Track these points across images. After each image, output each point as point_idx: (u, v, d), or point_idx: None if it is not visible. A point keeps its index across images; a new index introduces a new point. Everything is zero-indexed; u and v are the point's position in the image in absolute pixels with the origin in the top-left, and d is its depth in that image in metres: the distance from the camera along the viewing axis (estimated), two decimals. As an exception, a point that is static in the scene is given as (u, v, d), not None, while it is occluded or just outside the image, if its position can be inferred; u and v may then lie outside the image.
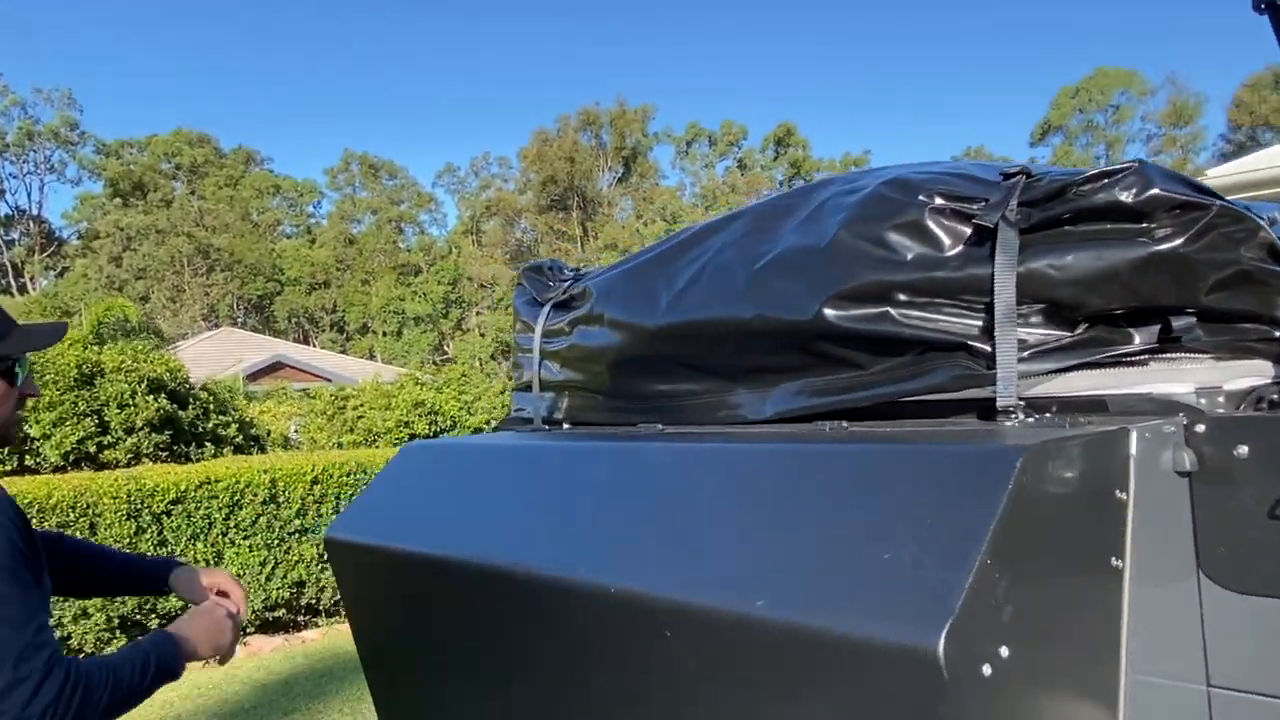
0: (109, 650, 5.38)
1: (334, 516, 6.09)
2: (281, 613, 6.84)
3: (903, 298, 1.29)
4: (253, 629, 6.73)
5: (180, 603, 3.10)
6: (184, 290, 45.02)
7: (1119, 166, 1.18)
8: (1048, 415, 1.20)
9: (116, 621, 5.94)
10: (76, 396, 7.41)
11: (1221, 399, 1.16)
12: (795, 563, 0.99)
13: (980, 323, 1.25)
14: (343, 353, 43.12)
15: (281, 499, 6.74)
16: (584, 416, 1.92)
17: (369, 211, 58.94)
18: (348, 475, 6.97)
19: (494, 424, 12.77)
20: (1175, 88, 51.33)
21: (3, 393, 1.60)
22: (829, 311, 1.34)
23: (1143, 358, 1.19)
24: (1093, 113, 53.78)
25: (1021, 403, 1.20)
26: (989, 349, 1.23)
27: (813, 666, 0.92)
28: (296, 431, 10.66)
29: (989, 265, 1.21)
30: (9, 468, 7.09)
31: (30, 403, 2.69)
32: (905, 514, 0.95)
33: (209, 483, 6.38)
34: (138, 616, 6.01)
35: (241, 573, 6.49)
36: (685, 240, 1.69)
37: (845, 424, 1.38)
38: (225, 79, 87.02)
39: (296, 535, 6.77)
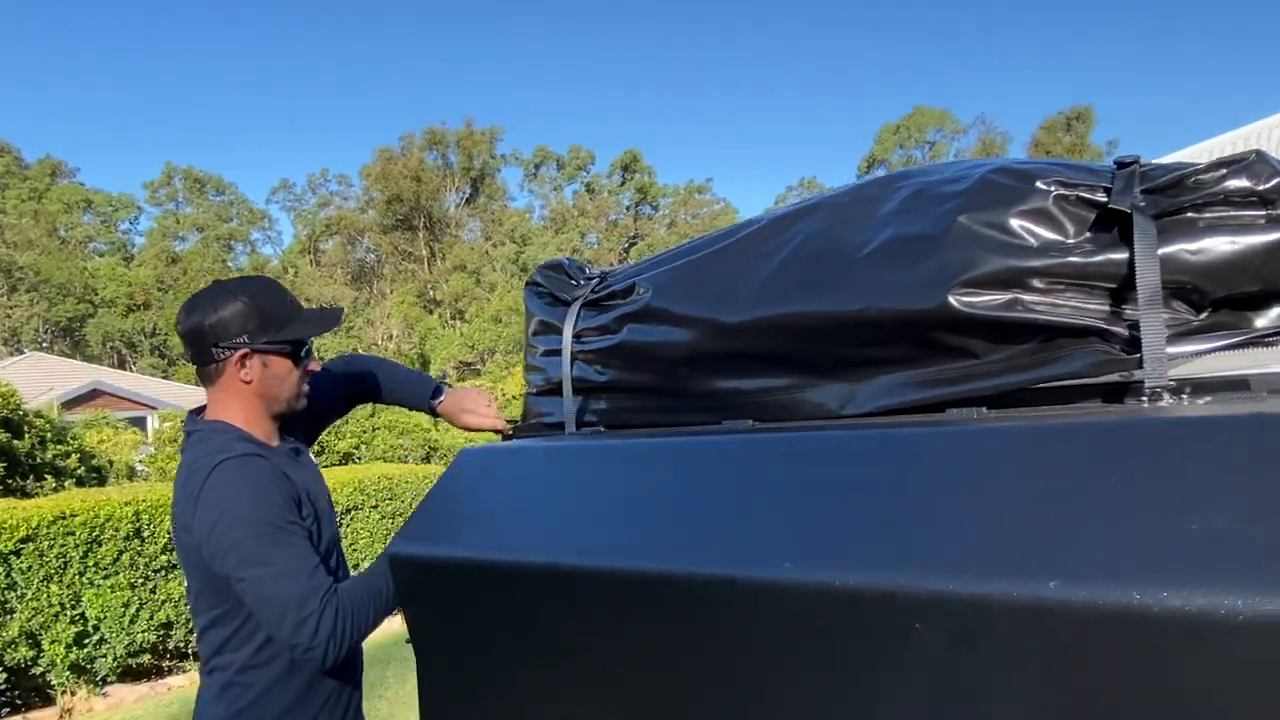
0: None
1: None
2: (146, 658, 6.22)
3: (1033, 283, 1.30)
4: (114, 678, 6.09)
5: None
6: (-19, 312, 40.40)
7: (1237, 156, 1.24)
8: (1186, 395, 1.22)
9: None
10: (-113, 427, 6.52)
11: None
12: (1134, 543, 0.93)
13: (1109, 307, 1.28)
14: (165, 378, 39.96)
15: (146, 533, 6.14)
16: (632, 419, 1.83)
17: (194, 228, 55.14)
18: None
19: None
20: (984, 127, 56.44)
21: (287, 370, 1.90)
22: (954, 299, 1.32)
23: (1274, 338, 1.24)
24: (912, 149, 58.27)
25: (1172, 383, 1.22)
26: (1124, 333, 1.26)
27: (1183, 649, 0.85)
28: (142, 462, 9.73)
29: (1118, 250, 1.25)
30: None
31: None
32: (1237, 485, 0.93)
33: (64, 518, 5.72)
34: None
35: (102, 617, 5.86)
36: (753, 234, 1.66)
37: (986, 409, 1.34)
38: (26, 83, 79.38)
39: (164, 572, 6.20)
